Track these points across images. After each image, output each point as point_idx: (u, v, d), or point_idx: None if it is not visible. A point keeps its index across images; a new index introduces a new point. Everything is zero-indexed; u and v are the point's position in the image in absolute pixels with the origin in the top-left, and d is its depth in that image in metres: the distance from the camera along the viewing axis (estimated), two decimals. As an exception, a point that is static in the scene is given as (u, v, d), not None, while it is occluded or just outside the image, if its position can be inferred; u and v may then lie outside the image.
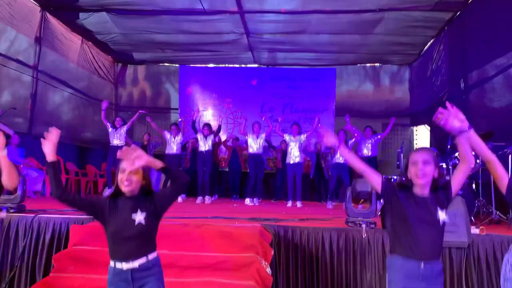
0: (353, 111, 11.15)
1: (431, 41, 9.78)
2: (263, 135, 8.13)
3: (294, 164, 7.82)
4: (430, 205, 2.29)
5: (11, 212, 4.37)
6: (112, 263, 2.31)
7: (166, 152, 8.68)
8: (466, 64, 7.92)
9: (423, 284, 2.24)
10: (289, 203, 7.75)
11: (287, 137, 8.01)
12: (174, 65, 12.26)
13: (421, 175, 2.26)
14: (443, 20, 8.53)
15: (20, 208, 4.52)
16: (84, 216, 4.34)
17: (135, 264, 2.27)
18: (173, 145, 8.65)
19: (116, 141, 8.55)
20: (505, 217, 5.16)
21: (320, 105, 11.41)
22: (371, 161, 8.07)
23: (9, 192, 4.45)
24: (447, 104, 2.22)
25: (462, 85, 8.04)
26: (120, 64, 12.33)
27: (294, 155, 7.84)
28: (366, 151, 8.56)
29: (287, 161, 7.97)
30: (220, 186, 10.50)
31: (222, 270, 3.39)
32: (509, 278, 2.27)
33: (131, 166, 2.27)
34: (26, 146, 7.60)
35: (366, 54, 10.84)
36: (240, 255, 3.54)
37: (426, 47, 10.22)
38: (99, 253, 3.40)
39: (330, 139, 2.46)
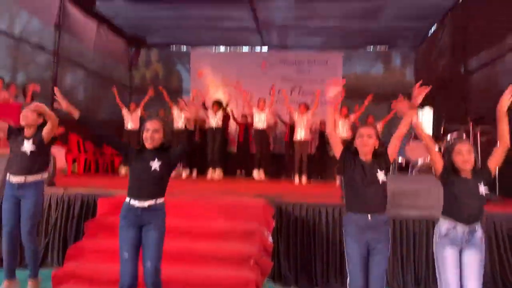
0: (361, 93, 11.48)
1: (435, 25, 10.03)
2: (267, 110, 8.51)
3: (301, 141, 8.22)
4: (371, 168, 2.86)
5: (43, 187, 4.90)
6: (127, 199, 2.90)
7: (174, 126, 9.05)
8: (467, 50, 8.21)
9: (371, 232, 2.79)
10: (296, 180, 8.19)
11: (295, 115, 8.42)
12: (186, 47, 12.66)
13: (365, 145, 2.86)
14: (446, 6, 8.78)
15: (51, 184, 5.06)
16: (109, 191, 4.89)
17: (145, 204, 2.84)
18: (180, 119, 8.94)
19: (131, 125, 8.91)
20: (495, 196, 5.54)
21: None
22: None
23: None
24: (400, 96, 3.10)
25: (463, 69, 8.35)
26: (133, 48, 12.73)
27: (301, 132, 8.23)
28: None
29: (294, 138, 8.37)
30: (229, 164, 10.87)
31: (229, 237, 3.90)
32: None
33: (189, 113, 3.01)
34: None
35: (372, 38, 11.13)
36: (245, 225, 4.05)
37: (430, 32, 10.47)
38: (124, 222, 3.92)
39: (333, 91, 2.97)
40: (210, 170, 8.61)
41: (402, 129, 2.92)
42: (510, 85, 2.98)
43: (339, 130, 8.27)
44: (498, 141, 2.98)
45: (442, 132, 6.54)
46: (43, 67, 8.98)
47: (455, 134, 6.10)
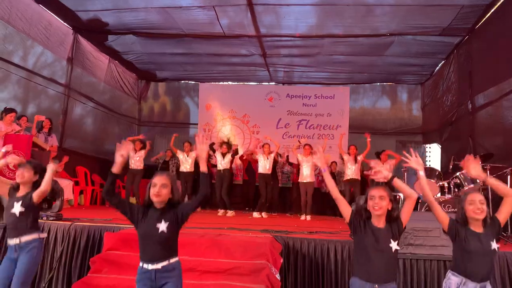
0: (367, 128, 11.55)
1: (442, 62, 10.13)
2: (273, 155, 8.54)
3: (306, 183, 8.25)
4: (384, 235, 2.74)
5: (50, 220, 4.90)
6: (141, 264, 2.77)
7: (181, 170, 9.05)
8: (473, 87, 8.26)
9: None
10: (302, 217, 8.18)
11: (299, 157, 8.45)
12: (194, 82, 12.85)
13: (378, 208, 2.73)
14: (452, 44, 8.91)
15: (58, 217, 5.06)
16: (115, 225, 4.87)
17: (158, 265, 2.71)
18: (187, 163, 8.96)
19: (134, 164, 8.70)
20: (504, 234, 5.45)
21: (334, 121, 11.79)
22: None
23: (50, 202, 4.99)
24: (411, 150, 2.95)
25: (469, 106, 8.38)
26: (143, 81, 12.98)
27: (306, 174, 8.26)
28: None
29: (299, 179, 8.39)
30: (235, 199, 10.84)
31: (236, 274, 3.83)
32: None
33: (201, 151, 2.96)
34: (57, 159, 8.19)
35: (379, 74, 11.22)
36: (252, 262, 3.97)
37: (437, 68, 10.57)
38: (130, 257, 3.89)
39: (319, 162, 2.95)
40: (221, 211, 8.57)
41: (414, 194, 2.83)
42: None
43: (349, 171, 8.28)
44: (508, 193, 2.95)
45: (450, 169, 6.50)
46: (54, 99, 9.13)
47: (464, 171, 6.05)
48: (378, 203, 2.73)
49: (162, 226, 2.72)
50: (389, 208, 2.77)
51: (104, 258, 4.02)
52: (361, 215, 2.82)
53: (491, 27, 7.52)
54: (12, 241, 3.42)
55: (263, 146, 8.59)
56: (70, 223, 4.86)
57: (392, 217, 2.78)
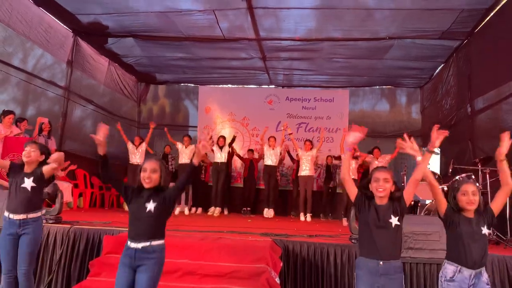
0: (368, 131, 11.52)
1: (441, 65, 10.14)
2: (279, 148, 8.61)
3: (305, 176, 8.27)
4: (385, 211, 2.80)
5: (49, 223, 4.89)
6: (127, 241, 2.85)
7: (180, 161, 9.20)
8: (473, 90, 8.27)
9: (382, 279, 2.69)
10: (302, 217, 8.18)
11: (300, 151, 8.54)
12: (194, 85, 12.85)
13: (381, 190, 2.79)
14: (451, 48, 8.93)
15: (57, 220, 5.04)
16: (114, 228, 4.85)
17: (139, 245, 2.78)
18: (185, 155, 9.09)
19: (135, 159, 9.01)
20: (504, 238, 5.45)
21: (334, 124, 11.78)
22: None
23: (49, 205, 5.01)
24: (405, 136, 2.95)
25: (469, 110, 8.39)
26: (143, 84, 12.98)
27: (306, 168, 8.32)
28: None
29: (299, 173, 8.44)
30: (235, 201, 10.83)
31: (236, 278, 3.82)
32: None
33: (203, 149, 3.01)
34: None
35: (378, 77, 11.23)
36: (252, 266, 3.97)
37: (436, 71, 10.58)
38: (129, 260, 3.87)
39: (353, 137, 2.99)
40: (212, 208, 8.55)
41: (418, 174, 2.86)
42: (504, 133, 3.00)
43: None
44: (501, 185, 2.98)
45: (450, 173, 6.50)
46: (53, 101, 9.12)
47: (464, 175, 6.05)
48: (382, 185, 2.78)
49: (150, 206, 2.82)
50: (392, 190, 2.82)
51: (103, 262, 4.01)
52: (365, 194, 2.88)
53: (490, 30, 7.53)
54: (17, 217, 3.47)
55: (268, 139, 8.67)
56: (69, 226, 4.84)
57: (395, 197, 2.83)
